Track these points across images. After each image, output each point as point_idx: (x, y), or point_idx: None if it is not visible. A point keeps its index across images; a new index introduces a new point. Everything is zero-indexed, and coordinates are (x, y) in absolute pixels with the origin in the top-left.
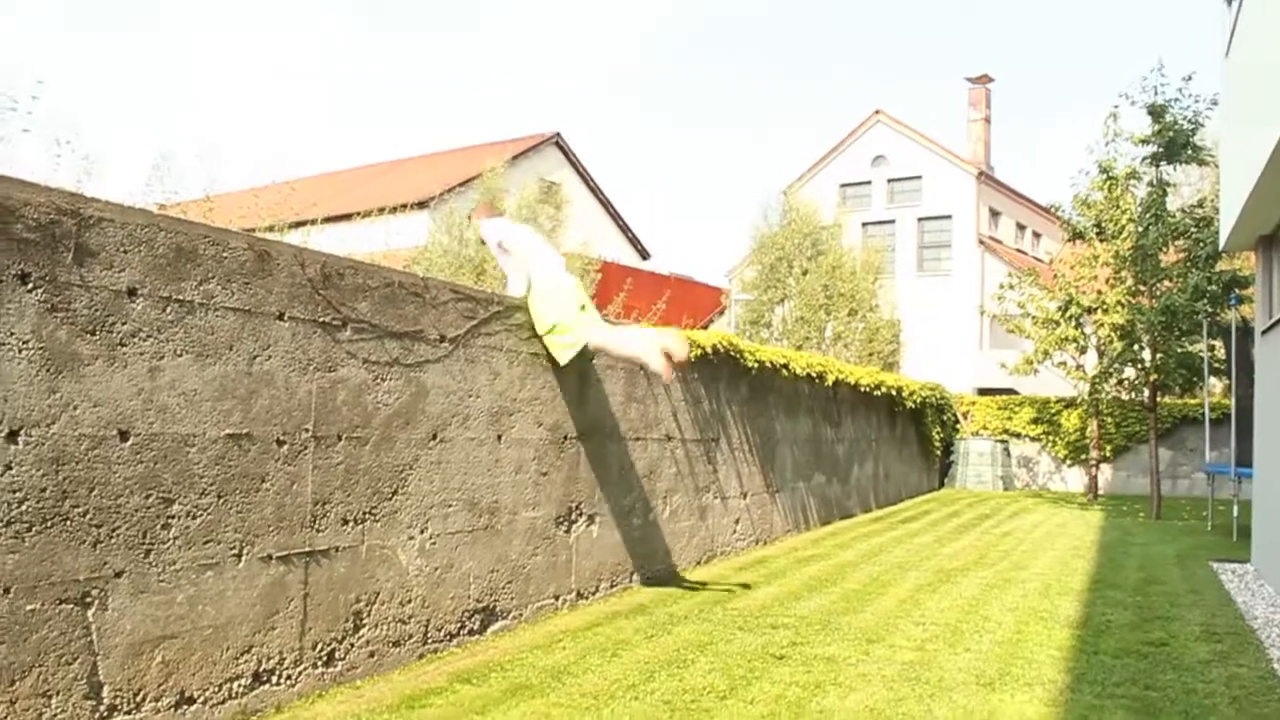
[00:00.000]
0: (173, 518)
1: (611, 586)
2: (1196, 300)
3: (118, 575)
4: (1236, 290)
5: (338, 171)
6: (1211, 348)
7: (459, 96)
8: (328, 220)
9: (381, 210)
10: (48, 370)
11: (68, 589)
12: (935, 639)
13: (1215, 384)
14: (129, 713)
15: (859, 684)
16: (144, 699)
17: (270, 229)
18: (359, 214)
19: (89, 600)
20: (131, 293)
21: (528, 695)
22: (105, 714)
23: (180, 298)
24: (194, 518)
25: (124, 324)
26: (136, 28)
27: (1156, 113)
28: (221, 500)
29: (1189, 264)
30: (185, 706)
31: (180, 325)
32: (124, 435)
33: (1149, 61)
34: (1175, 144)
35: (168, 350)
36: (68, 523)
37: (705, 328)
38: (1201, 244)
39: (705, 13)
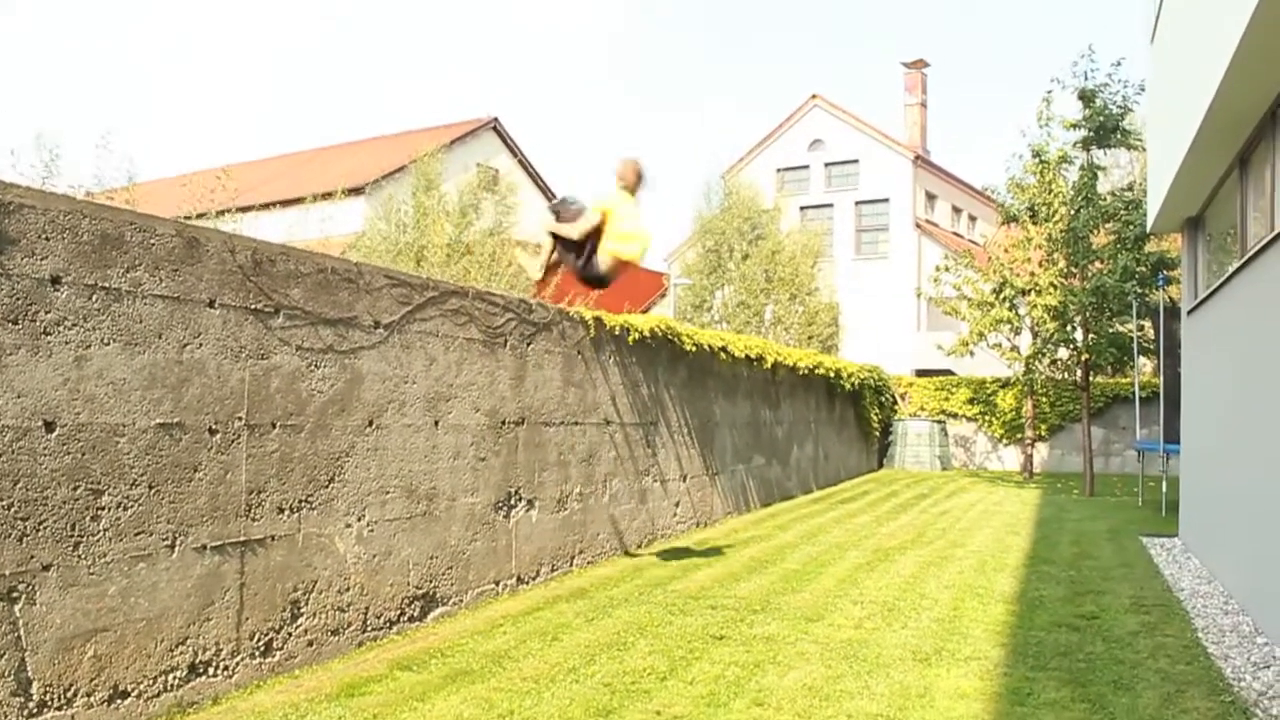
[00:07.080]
0: (102, 509)
1: (552, 571)
2: (1126, 281)
3: (45, 569)
4: (1164, 271)
5: (268, 159)
6: (1141, 328)
7: (394, 86)
8: (262, 208)
9: (315, 197)
10: None
11: None
12: (873, 617)
13: (1145, 363)
14: (60, 708)
15: (798, 662)
16: (75, 694)
17: (200, 216)
18: (289, 201)
19: (15, 595)
20: (55, 281)
21: (468, 681)
22: (35, 710)
23: (106, 285)
24: (125, 509)
25: (48, 313)
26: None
27: (1087, 98)
28: (153, 491)
29: (1118, 246)
30: (119, 701)
31: (107, 313)
32: (50, 426)
33: (1082, 47)
34: (1105, 128)
35: (94, 339)
36: None
37: (646, 312)
38: (1130, 226)
39: None
